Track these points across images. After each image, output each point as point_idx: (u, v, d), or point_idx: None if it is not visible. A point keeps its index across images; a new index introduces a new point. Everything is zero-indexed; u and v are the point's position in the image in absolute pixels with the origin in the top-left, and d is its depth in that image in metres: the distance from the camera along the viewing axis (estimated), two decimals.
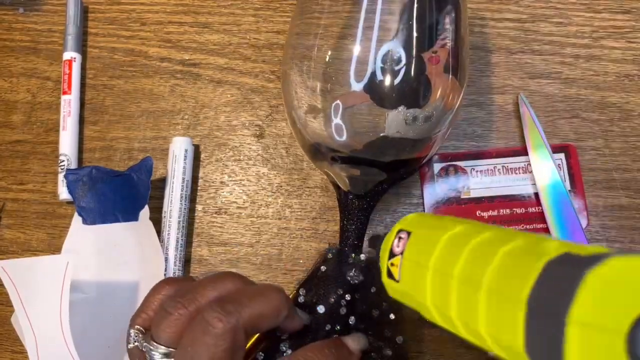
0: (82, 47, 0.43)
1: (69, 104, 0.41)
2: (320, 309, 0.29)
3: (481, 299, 0.19)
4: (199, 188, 0.40)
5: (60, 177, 0.39)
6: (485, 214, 0.37)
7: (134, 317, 0.26)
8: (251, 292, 0.25)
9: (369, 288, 0.30)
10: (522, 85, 0.39)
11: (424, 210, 0.38)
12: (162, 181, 0.39)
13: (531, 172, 0.37)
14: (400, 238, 0.26)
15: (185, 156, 0.38)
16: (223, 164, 0.40)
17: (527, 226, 0.37)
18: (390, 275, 0.26)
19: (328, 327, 0.29)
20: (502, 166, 0.38)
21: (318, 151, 0.31)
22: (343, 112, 0.29)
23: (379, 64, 0.28)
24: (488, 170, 0.38)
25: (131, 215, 0.37)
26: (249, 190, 0.40)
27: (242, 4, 0.42)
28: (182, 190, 0.38)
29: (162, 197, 0.38)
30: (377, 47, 0.28)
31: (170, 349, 0.24)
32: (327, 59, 0.29)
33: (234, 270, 0.38)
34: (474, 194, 0.38)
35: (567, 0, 0.40)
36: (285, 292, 0.26)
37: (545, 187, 0.36)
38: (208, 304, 0.24)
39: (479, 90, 0.39)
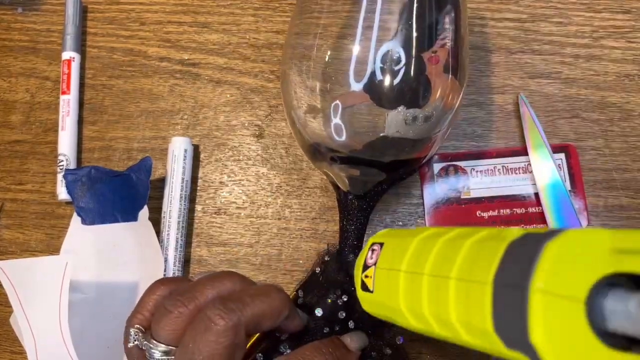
0: (81, 47, 0.42)
1: (68, 103, 0.41)
2: (319, 312, 0.29)
3: (450, 288, 0.20)
4: (198, 188, 0.40)
5: (59, 177, 0.39)
6: (485, 214, 0.37)
7: (131, 317, 0.26)
8: (253, 292, 0.25)
9: None
10: (522, 85, 0.39)
11: (423, 210, 0.38)
12: (162, 181, 0.39)
13: (531, 172, 0.37)
14: (373, 250, 0.26)
15: (185, 156, 0.38)
16: (222, 164, 0.40)
17: (527, 226, 0.37)
18: (364, 287, 0.26)
19: (326, 329, 0.29)
20: (502, 166, 0.38)
21: (317, 151, 0.31)
22: (342, 112, 0.29)
23: (379, 64, 0.28)
24: (488, 170, 0.38)
25: (130, 216, 0.37)
26: (249, 191, 0.39)
27: (241, 4, 0.42)
28: (181, 191, 0.38)
29: (161, 197, 0.38)
30: (376, 47, 0.28)
31: (171, 347, 0.24)
32: (326, 59, 0.29)
33: (233, 270, 0.38)
34: (474, 194, 0.38)
35: (567, 0, 0.40)
36: (286, 292, 0.26)
37: (545, 187, 0.36)
38: (211, 302, 0.24)
39: (479, 90, 0.39)
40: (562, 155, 0.37)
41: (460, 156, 0.38)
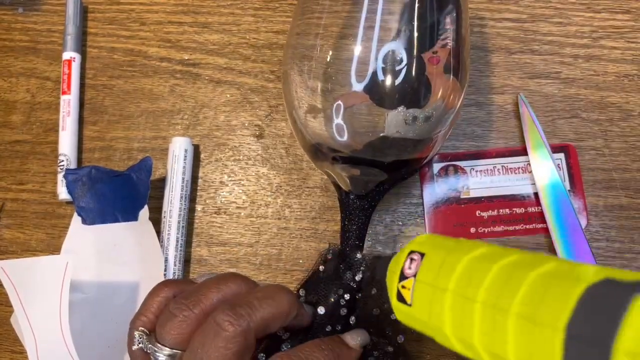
0: (82, 47, 0.43)
1: (69, 103, 0.41)
2: (321, 309, 0.29)
3: (510, 326, 0.18)
4: (198, 188, 0.40)
5: (60, 177, 0.39)
6: (484, 214, 0.37)
7: (134, 319, 0.26)
8: (261, 295, 0.25)
9: (369, 288, 0.30)
10: (522, 85, 0.39)
11: (423, 210, 0.38)
12: (162, 181, 0.39)
13: (531, 172, 0.37)
14: (412, 259, 0.24)
15: (185, 156, 0.38)
16: (223, 163, 0.40)
17: (527, 226, 0.37)
18: (401, 298, 0.24)
19: (329, 328, 0.29)
20: (502, 166, 0.38)
21: (319, 151, 0.31)
22: (344, 112, 0.29)
23: (380, 64, 0.28)
24: (487, 170, 0.38)
25: (131, 215, 0.37)
26: (249, 190, 0.40)
27: (241, 4, 0.42)
28: (181, 190, 0.38)
29: (161, 197, 0.38)
30: (378, 47, 0.28)
31: (175, 351, 0.24)
32: (327, 59, 0.29)
33: (233, 270, 0.38)
34: (473, 193, 0.38)
35: (567, 0, 0.40)
36: (292, 292, 0.26)
37: (544, 187, 0.36)
38: (219, 307, 0.24)
39: (479, 90, 0.39)
40: (561, 155, 0.38)
41: (459, 156, 0.38)
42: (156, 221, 0.38)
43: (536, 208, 0.37)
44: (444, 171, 0.38)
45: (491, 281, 0.20)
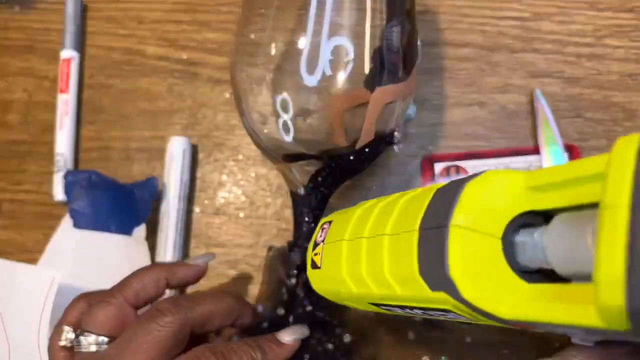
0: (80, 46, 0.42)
1: (67, 103, 0.40)
2: (281, 310, 0.30)
3: (385, 245, 0.20)
4: (197, 188, 0.39)
5: (56, 177, 0.39)
6: None
7: (58, 324, 0.27)
8: (204, 294, 0.28)
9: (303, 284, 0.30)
10: (524, 85, 0.39)
11: None
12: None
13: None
14: (323, 229, 0.26)
15: (183, 156, 0.38)
16: (221, 164, 0.40)
17: None
18: (314, 266, 0.26)
19: (265, 324, 0.30)
20: (504, 166, 0.38)
21: (271, 150, 0.31)
22: (291, 109, 0.29)
23: (328, 57, 0.28)
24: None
25: (124, 230, 0.36)
26: (248, 191, 0.39)
27: (239, 2, 0.42)
28: (179, 191, 0.38)
29: (159, 198, 0.38)
30: (326, 41, 0.28)
31: (103, 337, 0.25)
32: (274, 53, 0.29)
33: (232, 271, 0.38)
34: None
35: None
36: (239, 298, 0.28)
37: None
38: (164, 299, 0.26)
39: (481, 89, 0.39)
40: (565, 156, 0.37)
41: (461, 156, 0.38)
42: (154, 222, 0.37)
43: None
44: (446, 171, 0.38)
45: (374, 217, 0.22)
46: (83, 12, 0.43)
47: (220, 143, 0.40)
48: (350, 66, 0.28)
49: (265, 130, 0.30)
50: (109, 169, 0.40)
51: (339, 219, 0.26)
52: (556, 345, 0.33)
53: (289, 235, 0.38)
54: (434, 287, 0.18)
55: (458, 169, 0.38)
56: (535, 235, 0.16)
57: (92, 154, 0.41)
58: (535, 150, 0.37)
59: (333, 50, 0.28)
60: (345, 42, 0.28)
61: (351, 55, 0.28)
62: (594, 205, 0.14)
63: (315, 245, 0.26)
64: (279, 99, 0.29)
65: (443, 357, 0.34)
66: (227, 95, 0.41)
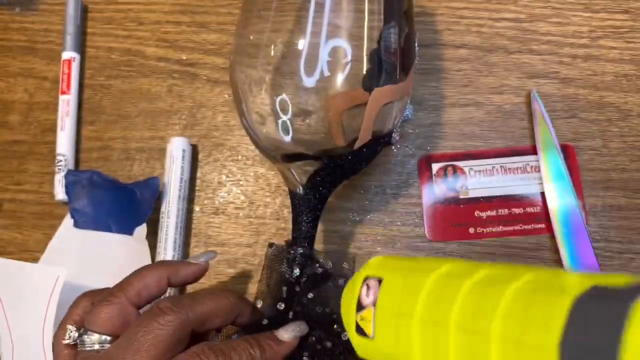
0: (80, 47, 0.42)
1: (68, 104, 0.41)
2: (281, 306, 0.30)
3: (494, 351, 0.16)
4: (196, 188, 0.40)
5: (57, 177, 0.39)
6: (483, 214, 0.37)
7: (61, 323, 0.27)
8: (205, 293, 0.28)
9: (307, 287, 0.30)
10: (520, 85, 0.39)
11: (422, 211, 0.38)
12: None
13: (529, 172, 0.37)
14: (369, 286, 0.22)
15: (183, 156, 0.38)
16: (221, 164, 0.40)
17: (525, 226, 0.37)
18: (360, 331, 0.22)
19: (265, 321, 0.30)
20: (501, 166, 0.38)
21: (270, 151, 0.31)
22: (290, 109, 0.29)
23: (326, 59, 0.28)
24: (486, 170, 0.38)
25: (125, 230, 0.36)
26: (247, 191, 0.39)
27: (239, 4, 0.42)
28: (179, 191, 0.38)
29: (159, 198, 0.38)
30: (325, 43, 0.28)
31: (105, 336, 0.25)
32: (273, 54, 0.29)
33: (231, 270, 0.38)
34: (472, 194, 0.38)
35: (565, 0, 0.40)
36: (239, 296, 0.28)
37: (552, 185, 0.36)
38: (165, 298, 0.26)
39: (477, 90, 0.39)
40: (561, 156, 0.37)
41: (458, 156, 0.38)
42: (154, 222, 0.38)
43: (535, 208, 0.37)
44: (443, 171, 0.38)
45: (463, 301, 0.18)
46: (83, 13, 0.43)
47: (220, 143, 0.40)
48: (348, 67, 0.29)
49: (264, 131, 0.31)
50: (109, 169, 0.40)
51: (395, 280, 0.21)
52: None
53: (288, 235, 0.38)
54: None
55: (455, 169, 0.38)
56: None
57: (92, 154, 0.41)
58: (532, 150, 0.38)
59: (331, 51, 0.28)
60: (343, 43, 0.29)
61: (349, 57, 0.29)
62: None
63: (361, 307, 0.22)
64: (278, 99, 0.30)
65: None
66: (227, 96, 0.41)
